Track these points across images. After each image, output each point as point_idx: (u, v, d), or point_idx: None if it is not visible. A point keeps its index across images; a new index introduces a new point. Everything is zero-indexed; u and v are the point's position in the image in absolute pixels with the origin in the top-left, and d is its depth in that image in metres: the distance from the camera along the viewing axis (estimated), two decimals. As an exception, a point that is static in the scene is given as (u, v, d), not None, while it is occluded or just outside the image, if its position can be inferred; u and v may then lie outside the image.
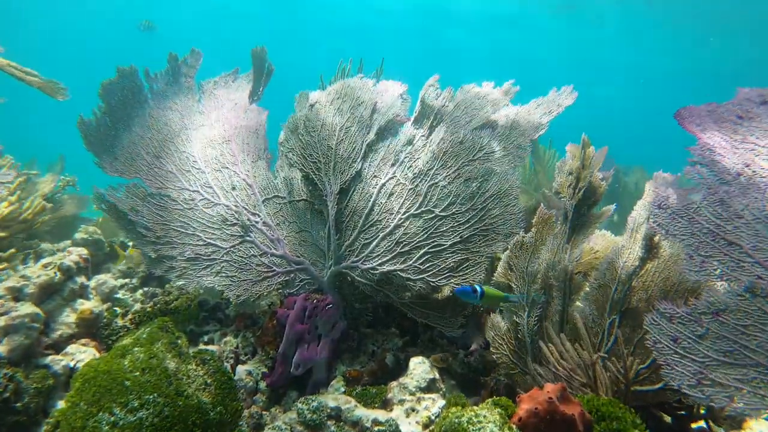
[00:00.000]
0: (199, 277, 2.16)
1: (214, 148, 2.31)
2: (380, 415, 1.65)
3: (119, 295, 2.61)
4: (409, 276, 2.04)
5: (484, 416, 1.10)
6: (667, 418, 1.53)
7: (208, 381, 1.77)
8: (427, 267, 2.04)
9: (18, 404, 1.66)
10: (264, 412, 1.89)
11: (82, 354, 1.98)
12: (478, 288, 1.67)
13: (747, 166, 1.10)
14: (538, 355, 1.67)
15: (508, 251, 1.87)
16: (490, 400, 1.23)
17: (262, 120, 2.39)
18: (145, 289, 2.69)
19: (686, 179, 1.20)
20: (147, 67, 2.47)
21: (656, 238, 1.59)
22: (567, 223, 1.83)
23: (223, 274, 2.16)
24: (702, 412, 1.51)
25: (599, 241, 2.14)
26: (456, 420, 1.11)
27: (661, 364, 1.19)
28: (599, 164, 1.82)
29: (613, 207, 1.89)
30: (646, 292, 1.59)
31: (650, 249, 1.60)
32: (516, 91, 2.28)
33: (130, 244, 3.07)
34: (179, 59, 2.54)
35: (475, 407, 1.19)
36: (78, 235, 3.08)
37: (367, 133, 2.15)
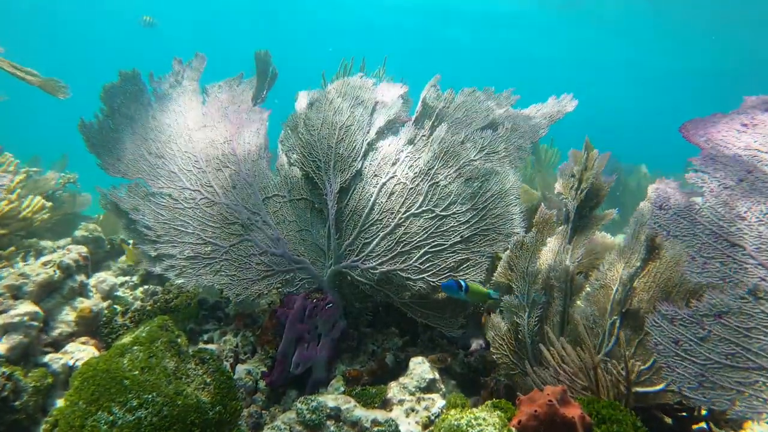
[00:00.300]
0: (198, 275, 2.16)
1: (215, 148, 2.30)
2: (380, 415, 1.65)
3: (119, 293, 2.60)
4: (409, 276, 2.03)
5: (484, 419, 1.09)
6: (668, 420, 1.52)
7: (208, 380, 1.77)
8: (427, 267, 2.03)
9: (17, 403, 1.66)
10: (263, 412, 1.89)
11: (82, 352, 1.98)
12: (462, 283, 1.69)
13: (749, 172, 1.10)
14: (539, 357, 1.67)
15: (508, 251, 1.87)
16: (489, 402, 1.23)
17: (264, 119, 2.39)
18: (146, 287, 2.69)
19: (689, 184, 1.20)
20: (151, 71, 2.48)
21: (658, 239, 1.58)
22: (569, 224, 1.83)
23: (223, 273, 2.16)
24: (703, 413, 1.51)
25: (600, 242, 2.13)
26: (455, 423, 1.11)
27: (662, 365, 1.18)
28: (602, 167, 1.82)
29: (615, 211, 1.89)
30: (648, 293, 1.58)
31: (652, 250, 1.60)
32: (517, 99, 2.27)
33: (131, 242, 3.07)
34: (184, 63, 2.55)
35: (474, 409, 1.18)
36: (78, 233, 3.08)
37: (368, 132, 2.14)
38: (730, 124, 1.18)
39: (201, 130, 2.37)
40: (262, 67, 2.61)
